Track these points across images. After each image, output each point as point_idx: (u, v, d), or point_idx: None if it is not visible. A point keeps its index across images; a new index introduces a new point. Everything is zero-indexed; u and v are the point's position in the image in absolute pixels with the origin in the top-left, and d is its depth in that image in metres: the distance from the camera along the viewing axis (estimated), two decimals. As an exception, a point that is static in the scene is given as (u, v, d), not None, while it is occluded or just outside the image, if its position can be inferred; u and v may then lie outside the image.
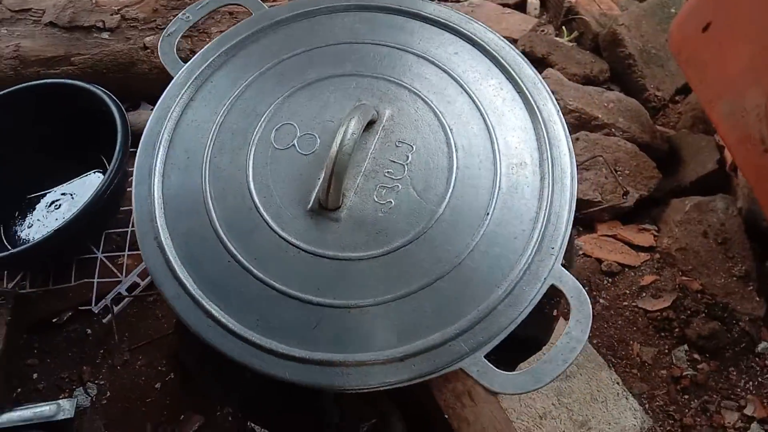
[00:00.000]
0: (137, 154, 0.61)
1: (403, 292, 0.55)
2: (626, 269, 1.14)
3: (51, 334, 1.08)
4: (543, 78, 1.26)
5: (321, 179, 0.57)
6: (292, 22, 0.69)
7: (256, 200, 0.59)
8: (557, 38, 1.48)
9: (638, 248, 1.16)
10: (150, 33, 1.21)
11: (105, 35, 1.21)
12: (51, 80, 1.11)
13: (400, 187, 0.59)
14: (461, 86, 0.64)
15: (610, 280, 1.13)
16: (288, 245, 0.57)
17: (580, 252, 1.15)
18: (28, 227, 1.14)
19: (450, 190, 0.59)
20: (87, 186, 1.17)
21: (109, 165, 0.97)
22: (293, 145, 0.61)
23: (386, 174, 0.60)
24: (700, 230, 1.12)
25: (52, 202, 1.16)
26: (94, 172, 1.17)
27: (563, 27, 1.51)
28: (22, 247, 0.96)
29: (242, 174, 0.60)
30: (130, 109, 1.27)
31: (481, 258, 0.56)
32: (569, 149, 0.61)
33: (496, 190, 0.59)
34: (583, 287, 1.11)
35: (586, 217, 1.18)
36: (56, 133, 1.13)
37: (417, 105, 0.63)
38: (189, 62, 0.66)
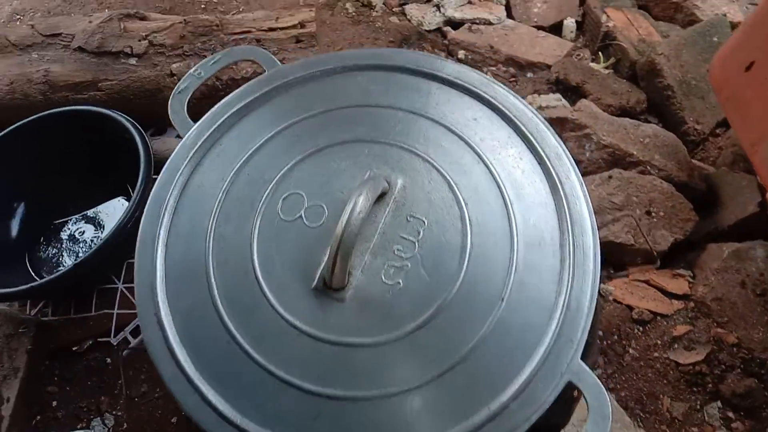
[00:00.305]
0: (141, 222, 0.59)
1: (408, 386, 0.51)
2: (658, 318, 1.07)
3: (72, 362, 1.08)
4: (577, 110, 1.23)
5: (326, 257, 0.54)
6: (305, 82, 0.65)
7: (259, 275, 0.56)
8: (593, 64, 1.41)
9: (672, 296, 1.09)
10: (177, 60, 1.20)
11: (132, 61, 1.20)
12: (76, 107, 1.10)
13: (410, 266, 0.55)
14: (478, 155, 0.60)
15: (640, 329, 1.07)
16: (288, 326, 0.54)
17: (610, 297, 1.09)
18: (53, 253, 1.13)
19: (462, 272, 0.55)
20: (111, 212, 1.16)
21: (132, 192, 0.96)
22: (300, 216, 0.58)
23: (396, 252, 0.56)
24: (738, 279, 1.05)
25: (77, 229, 1.16)
26: (119, 199, 1.16)
27: (600, 52, 1.43)
28: (44, 279, 0.96)
29: (246, 246, 0.57)
30: (155, 135, 1.25)
31: (494, 349, 0.52)
32: (593, 229, 0.56)
33: (512, 273, 0.55)
34: (612, 336, 1.07)
35: (616, 259, 1.12)
36: (81, 159, 1.12)
37: (431, 176, 0.59)
38: (198, 122, 0.64)
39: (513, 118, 0.61)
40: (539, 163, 0.59)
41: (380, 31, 1.49)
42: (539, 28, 1.51)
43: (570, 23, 1.50)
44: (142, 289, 0.56)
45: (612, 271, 1.13)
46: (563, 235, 0.56)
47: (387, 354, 0.53)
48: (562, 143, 0.60)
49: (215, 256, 0.57)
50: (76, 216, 1.17)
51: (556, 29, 1.52)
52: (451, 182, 0.59)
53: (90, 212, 1.17)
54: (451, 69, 0.65)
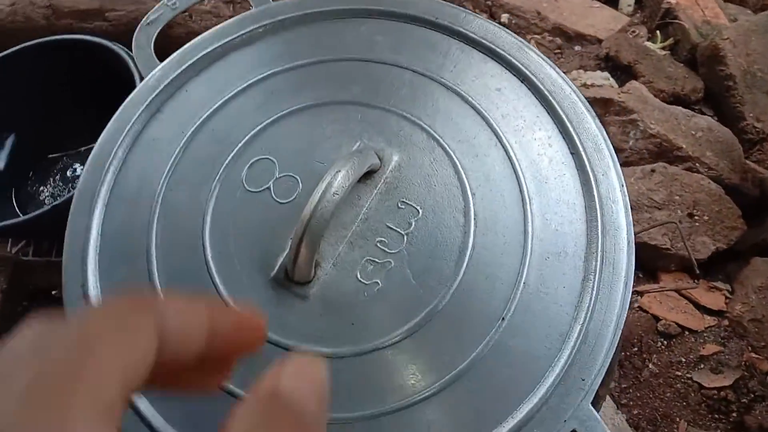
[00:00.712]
0: (81, 177, 0.48)
1: (371, 411, 0.40)
2: (686, 333, 0.95)
3: (50, 306, 1.00)
4: (625, 92, 1.07)
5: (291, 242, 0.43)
6: (297, 25, 0.52)
7: (209, 254, 0.44)
8: (648, 43, 1.25)
9: (704, 310, 0.96)
10: (189, -6, 1.08)
11: (143, -8, 1.09)
12: (80, 36, 0.99)
13: (393, 264, 0.44)
14: (497, 135, 0.47)
15: (665, 342, 0.95)
16: (237, 322, 0.43)
17: (636, 305, 0.97)
18: (41, 190, 1.05)
19: (457, 279, 0.43)
20: (107, 152, 1.06)
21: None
22: (268, 188, 0.46)
23: (378, 244, 0.45)
24: (783, 301, 0.91)
25: (70, 166, 1.06)
26: (117, 139, 1.06)
27: (657, 31, 1.27)
28: (21, 218, 0.87)
29: (198, 217, 0.45)
30: (163, 74, 1.14)
31: (485, 380, 0.41)
32: (629, 243, 0.44)
33: (520, 287, 0.43)
34: (633, 347, 0.94)
35: (648, 263, 0.99)
36: (82, 92, 1.02)
37: (435, 155, 0.47)
38: (164, 62, 0.52)
39: (546, 93, 0.48)
40: (572, 153, 0.46)
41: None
42: None
43: None
44: (71, 257, 0.46)
45: (641, 276, 1.01)
46: (590, 246, 0.44)
47: (348, 371, 0.42)
48: (603, 131, 0.47)
49: (160, 226, 0.46)
50: (71, 152, 1.07)
51: (612, 1, 1.35)
52: (459, 165, 0.46)
53: (85, 149, 1.07)
54: (477, 26, 0.52)
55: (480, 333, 0.42)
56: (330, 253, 0.44)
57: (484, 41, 0.51)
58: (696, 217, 0.98)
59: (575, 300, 0.42)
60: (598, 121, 0.47)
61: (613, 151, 0.46)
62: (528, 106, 0.48)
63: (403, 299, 0.43)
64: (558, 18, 1.28)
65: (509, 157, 0.46)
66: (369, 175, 0.46)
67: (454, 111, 0.48)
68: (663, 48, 1.25)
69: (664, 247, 0.95)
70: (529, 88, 0.49)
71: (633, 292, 0.95)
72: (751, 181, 1.04)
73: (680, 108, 1.10)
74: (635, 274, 0.98)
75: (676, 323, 0.94)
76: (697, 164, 1.04)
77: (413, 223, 0.45)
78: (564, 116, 0.47)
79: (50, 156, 1.08)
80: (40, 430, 0.15)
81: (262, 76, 0.51)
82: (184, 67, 0.51)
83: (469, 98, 0.49)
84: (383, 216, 0.45)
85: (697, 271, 0.91)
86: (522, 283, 0.43)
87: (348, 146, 0.47)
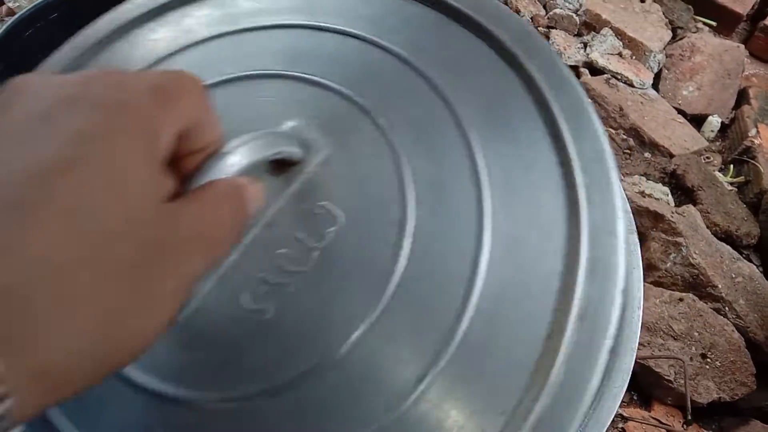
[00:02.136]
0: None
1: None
2: None
3: None
4: (679, 213, 0.96)
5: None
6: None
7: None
8: (719, 174, 1.22)
9: None
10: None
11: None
12: None
13: (293, 287, 0.33)
14: (463, 132, 0.36)
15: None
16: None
17: (620, 425, 0.88)
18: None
19: (373, 316, 0.32)
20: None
21: None
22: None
23: (277, 258, 0.34)
24: (773, 475, 0.79)
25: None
26: None
27: (732, 165, 1.23)
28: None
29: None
30: None
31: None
32: (629, 296, 0.31)
33: (455, 339, 0.31)
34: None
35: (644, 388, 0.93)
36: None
37: (377, 149, 0.36)
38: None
39: (538, 80, 0.36)
40: (560, 163, 0.34)
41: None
42: (680, 111, 1.32)
43: (714, 121, 1.29)
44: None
45: (635, 398, 0.94)
46: (565, 294, 0.31)
47: (212, 424, 0.31)
48: (606, 137, 0.34)
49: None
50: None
51: (697, 121, 1.32)
52: (405, 165, 0.35)
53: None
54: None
55: (385, 403, 0.30)
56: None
57: (476, 18, 0.40)
58: (708, 360, 0.92)
59: (531, 365, 0.30)
60: (601, 124, 0.35)
61: (615, 166, 0.34)
62: (511, 98, 0.36)
63: (297, 337, 0.32)
64: (638, 120, 1.24)
65: (473, 160, 0.34)
66: (284, 167, 0.35)
67: (417, 99, 0.37)
68: (731, 183, 1.22)
69: (667, 378, 0.89)
70: (517, 74, 0.37)
71: (618, 416, 0.87)
72: (775, 343, 0.98)
73: (728, 247, 1.05)
74: (630, 394, 0.88)
75: None
76: (726, 308, 0.97)
77: (329, 235, 0.34)
78: (555, 110, 0.35)
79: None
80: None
81: (201, 38, 0.42)
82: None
83: (440, 86, 0.37)
84: (293, 222, 0.34)
85: (689, 417, 0.84)
86: (459, 335, 0.31)
87: (273, 126, 0.37)
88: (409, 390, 0.30)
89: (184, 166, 0.30)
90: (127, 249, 0.21)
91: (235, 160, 0.30)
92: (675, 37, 1.43)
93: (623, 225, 0.32)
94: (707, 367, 0.92)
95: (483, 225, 0.33)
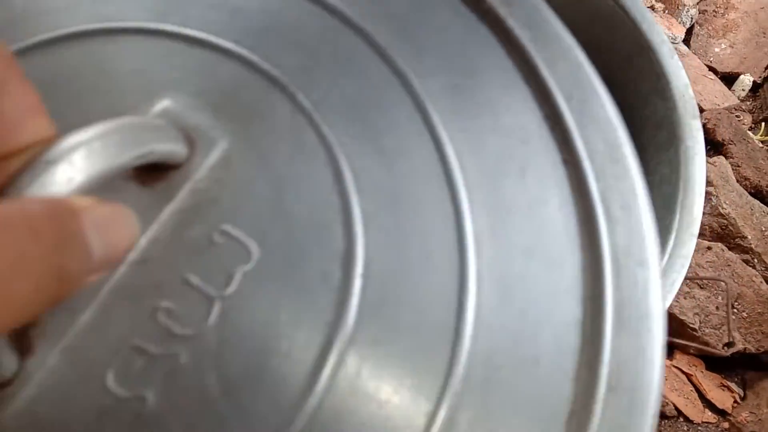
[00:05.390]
0: None
1: None
2: (681, 419, 0.83)
3: None
4: (710, 163, 0.96)
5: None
6: None
7: None
8: (749, 132, 1.19)
9: (708, 404, 0.90)
10: None
11: None
12: None
13: (184, 358, 0.22)
14: (426, 117, 0.26)
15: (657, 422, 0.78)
16: None
17: None
18: None
19: (303, 409, 0.22)
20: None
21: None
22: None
23: (160, 315, 0.23)
24: (795, 423, 0.84)
25: None
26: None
27: (763, 124, 1.27)
28: None
29: None
30: None
31: None
32: (660, 349, 0.23)
33: (439, 418, 0.22)
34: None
35: (669, 336, 0.85)
36: None
37: (302, 142, 0.25)
38: None
39: (525, 44, 0.27)
40: (565, 162, 0.25)
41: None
42: (711, 69, 1.33)
43: (747, 80, 1.31)
44: None
45: None
46: (587, 350, 0.23)
47: None
48: (620, 121, 0.26)
49: None
50: None
51: (728, 79, 1.31)
52: (344, 168, 0.25)
53: None
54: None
55: None
56: (59, 324, 0.22)
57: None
58: (735, 311, 0.93)
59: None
60: (612, 103, 0.26)
61: (639, 166, 0.25)
62: (491, 66, 0.27)
63: (192, 435, 0.22)
64: (670, 72, 1.21)
65: (443, 159, 0.25)
66: (159, 173, 0.24)
67: (353, 68, 0.27)
68: (762, 141, 1.23)
69: (691, 326, 0.89)
70: (494, 33, 0.27)
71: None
72: (803, 296, 0.98)
73: (758, 201, 1.07)
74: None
75: (676, 406, 0.89)
76: (755, 260, 0.99)
77: (239, 276, 0.23)
78: (555, 88, 0.26)
79: None
80: None
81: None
82: None
83: (391, 54, 0.27)
84: (180, 257, 0.24)
85: (731, 339, 0.88)
86: (443, 416, 0.22)
87: (138, 109, 0.25)
88: None
89: None
90: None
91: (72, 171, 0.19)
92: (709, -8, 1.43)
93: (656, 249, 0.24)
94: (733, 317, 0.92)
95: (466, 256, 0.23)
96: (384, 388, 0.22)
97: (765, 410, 0.88)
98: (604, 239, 0.24)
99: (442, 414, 0.22)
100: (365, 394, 0.22)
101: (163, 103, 0.26)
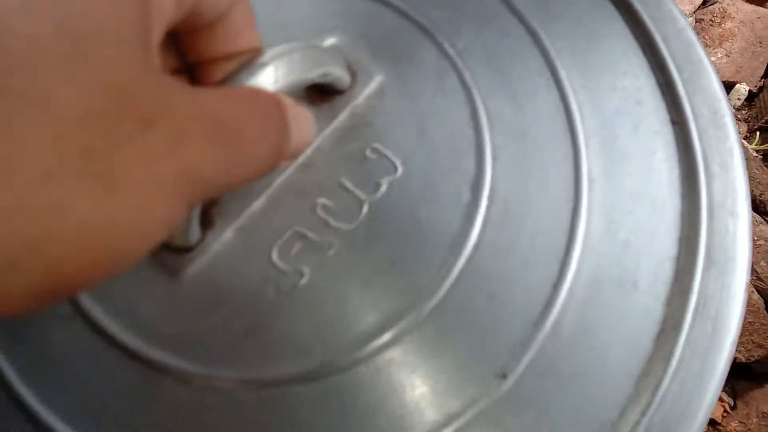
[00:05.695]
0: None
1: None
2: None
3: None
4: None
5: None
6: None
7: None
8: (744, 141, 1.17)
9: None
10: None
11: None
12: None
13: (337, 246, 0.27)
14: (554, 71, 0.30)
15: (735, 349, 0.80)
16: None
17: None
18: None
19: (438, 294, 0.26)
20: None
21: None
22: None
23: (319, 209, 0.28)
24: (785, 436, 0.83)
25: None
26: None
27: (758, 133, 1.22)
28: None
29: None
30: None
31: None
32: (744, 289, 0.26)
33: (545, 327, 0.25)
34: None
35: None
36: None
37: (444, 85, 0.30)
38: None
39: (646, 20, 0.31)
40: (673, 122, 0.29)
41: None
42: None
43: (742, 89, 1.31)
44: None
45: None
46: (680, 282, 0.26)
47: (222, 408, 0.25)
48: (724, 93, 0.29)
49: None
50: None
51: (726, 87, 1.24)
52: (480, 108, 0.29)
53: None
54: None
55: (456, 400, 0.25)
56: (235, 207, 0.27)
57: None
58: None
59: (638, 369, 0.25)
60: (718, 78, 0.30)
61: (737, 131, 0.29)
62: (613, 35, 0.31)
63: (338, 309, 0.26)
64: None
65: (567, 109, 0.29)
66: (328, 95, 0.29)
67: (492, 24, 0.31)
68: (757, 151, 1.19)
69: None
70: (617, 8, 0.31)
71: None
72: (797, 308, 1.00)
73: (752, 212, 0.97)
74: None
75: None
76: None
77: (385, 186, 0.28)
78: (669, 60, 0.30)
79: None
80: None
81: None
82: None
83: (524, 14, 0.31)
84: (338, 165, 0.28)
85: None
86: (550, 323, 0.26)
87: (316, 41, 0.30)
88: (491, 376, 0.24)
89: (206, 75, 0.23)
90: (82, 100, 0.15)
91: (276, 74, 0.23)
92: (706, 2, 1.42)
93: (747, 204, 0.27)
94: None
95: (580, 190, 0.27)
96: (500, 289, 0.26)
97: (754, 420, 0.89)
98: (702, 191, 0.27)
99: (547, 323, 0.26)
100: (482, 293, 0.26)
101: (331, 40, 0.30)
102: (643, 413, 0.24)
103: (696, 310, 0.26)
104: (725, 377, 0.25)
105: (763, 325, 0.92)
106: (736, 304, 0.26)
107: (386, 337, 0.25)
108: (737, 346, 0.87)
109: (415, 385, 0.25)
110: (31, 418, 0.26)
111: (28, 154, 0.13)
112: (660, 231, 0.27)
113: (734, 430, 0.87)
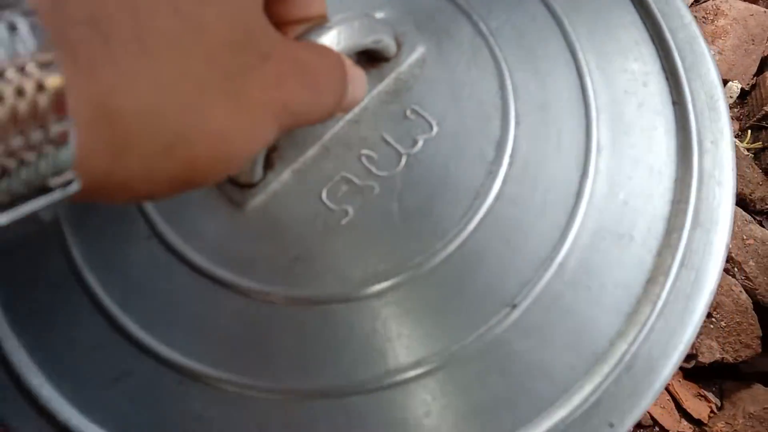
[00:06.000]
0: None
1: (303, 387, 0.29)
2: (656, 429, 0.90)
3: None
4: None
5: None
6: None
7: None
8: (735, 139, 1.19)
9: (684, 414, 0.89)
10: None
11: None
12: None
13: (377, 190, 0.31)
14: (573, 52, 0.34)
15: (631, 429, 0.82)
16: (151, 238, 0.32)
17: None
18: None
19: (462, 235, 0.30)
20: None
21: None
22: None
23: (363, 159, 0.32)
24: (771, 434, 0.86)
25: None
26: None
27: (749, 131, 1.22)
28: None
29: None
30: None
31: (482, 391, 0.29)
32: (724, 248, 0.31)
33: (551, 268, 0.30)
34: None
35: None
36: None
37: (477, 58, 0.34)
38: None
39: (656, 12, 0.35)
40: (674, 103, 0.33)
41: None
42: None
43: (735, 87, 1.30)
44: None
45: None
46: (669, 238, 0.31)
47: (275, 319, 0.30)
48: (720, 81, 0.34)
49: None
50: None
51: None
52: (507, 79, 0.33)
53: None
54: None
55: (474, 323, 0.29)
56: (292, 153, 0.32)
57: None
58: (713, 319, 0.92)
59: (628, 307, 0.30)
60: (716, 67, 0.34)
61: (728, 114, 0.33)
62: (627, 25, 0.35)
63: (376, 243, 0.31)
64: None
65: (582, 85, 0.33)
66: (376, 61, 0.33)
67: (521, 8, 0.35)
68: (748, 149, 1.19)
69: None
70: (632, 2, 0.36)
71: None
72: (783, 309, 1.00)
73: (741, 210, 1.04)
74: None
75: (651, 414, 0.88)
76: (735, 268, 0.97)
77: (421, 142, 0.32)
78: (674, 49, 0.34)
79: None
80: None
81: None
82: None
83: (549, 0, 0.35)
84: (381, 122, 0.33)
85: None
86: (556, 264, 0.30)
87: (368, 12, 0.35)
88: (502, 305, 0.29)
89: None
90: (227, 31, 0.19)
91: (339, 37, 0.27)
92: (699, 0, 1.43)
93: (733, 177, 0.32)
94: (711, 326, 0.93)
95: (589, 155, 0.32)
96: (514, 234, 0.31)
97: (741, 421, 0.89)
98: (695, 162, 0.32)
99: (553, 264, 0.30)
100: (499, 237, 0.31)
101: (381, 14, 0.35)
102: (631, 344, 0.29)
103: (682, 261, 0.30)
104: (703, 319, 0.30)
105: (751, 325, 0.93)
106: (717, 259, 0.31)
107: (414, 270, 0.30)
108: (725, 346, 0.89)
109: (439, 309, 0.30)
110: (111, 323, 0.31)
111: (192, 69, 0.18)
112: (655, 194, 0.32)
113: (721, 430, 0.89)
